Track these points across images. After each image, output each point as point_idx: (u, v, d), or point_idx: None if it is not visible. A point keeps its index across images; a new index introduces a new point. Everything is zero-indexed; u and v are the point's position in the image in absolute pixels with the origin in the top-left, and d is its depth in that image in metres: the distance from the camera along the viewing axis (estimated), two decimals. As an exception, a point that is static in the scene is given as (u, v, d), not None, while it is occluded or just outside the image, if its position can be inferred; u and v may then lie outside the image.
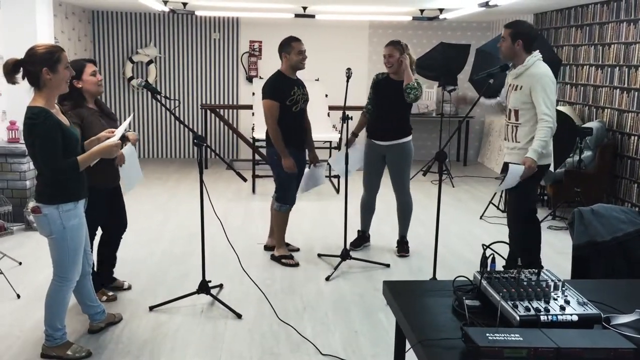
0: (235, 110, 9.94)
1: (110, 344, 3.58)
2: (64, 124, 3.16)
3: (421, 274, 4.84)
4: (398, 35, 9.64)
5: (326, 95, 7.95)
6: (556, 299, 2.01)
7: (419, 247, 5.43)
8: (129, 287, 4.42)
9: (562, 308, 1.94)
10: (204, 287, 4.13)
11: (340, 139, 7.57)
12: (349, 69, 4.90)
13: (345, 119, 4.66)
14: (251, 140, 7.87)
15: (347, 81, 4.85)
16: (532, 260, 4.35)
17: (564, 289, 2.09)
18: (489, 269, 2.18)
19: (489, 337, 1.73)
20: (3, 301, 4.16)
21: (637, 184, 6.28)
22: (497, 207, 6.84)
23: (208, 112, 9.24)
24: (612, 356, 1.73)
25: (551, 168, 4.34)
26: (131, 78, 9.66)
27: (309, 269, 4.94)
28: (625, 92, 6.50)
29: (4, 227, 5.65)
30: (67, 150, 3.13)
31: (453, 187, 8.18)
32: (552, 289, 2.07)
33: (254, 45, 9.85)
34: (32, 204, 3.49)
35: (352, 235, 5.42)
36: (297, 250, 5.33)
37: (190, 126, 9.81)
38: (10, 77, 3.12)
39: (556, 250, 5.49)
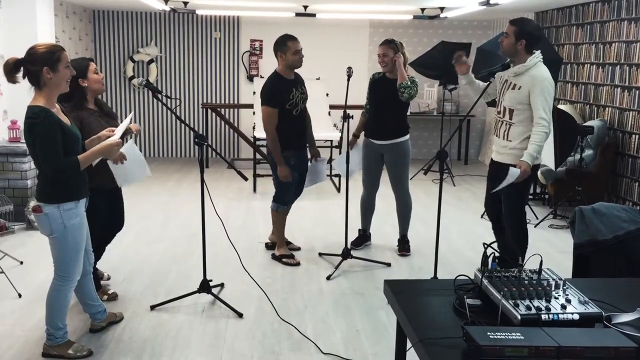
0: (236, 109, 9.94)
1: (112, 343, 3.59)
2: (65, 123, 3.16)
3: (422, 273, 4.84)
4: (399, 34, 9.65)
5: (327, 94, 7.95)
6: (557, 298, 2.01)
7: (420, 246, 5.43)
8: (109, 278, 4.49)
9: (563, 307, 1.94)
10: (205, 286, 4.13)
11: (341, 138, 7.57)
12: (349, 68, 4.87)
13: (346, 118, 4.66)
14: (252, 139, 7.87)
15: (348, 80, 4.83)
16: (523, 256, 4.35)
17: (565, 287, 2.09)
18: (489, 267, 2.18)
19: (490, 336, 1.74)
20: (4, 300, 4.17)
21: (638, 183, 6.28)
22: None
23: (209, 111, 9.25)
24: (613, 355, 1.73)
25: (552, 167, 4.33)
26: (132, 77, 9.66)
27: (310, 268, 4.94)
28: (626, 90, 6.50)
29: (5, 227, 5.65)
30: (68, 150, 3.13)
31: (454, 186, 8.18)
32: (553, 288, 2.07)
33: (254, 44, 9.84)
34: (33, 203, 3.49)
35: (353, 234, 5.41)
36: (298, 249, 5.33)
37: (191, 125, 9.83)
38: (11, 77, 3.12)
39: (557, 249, 5.49)
